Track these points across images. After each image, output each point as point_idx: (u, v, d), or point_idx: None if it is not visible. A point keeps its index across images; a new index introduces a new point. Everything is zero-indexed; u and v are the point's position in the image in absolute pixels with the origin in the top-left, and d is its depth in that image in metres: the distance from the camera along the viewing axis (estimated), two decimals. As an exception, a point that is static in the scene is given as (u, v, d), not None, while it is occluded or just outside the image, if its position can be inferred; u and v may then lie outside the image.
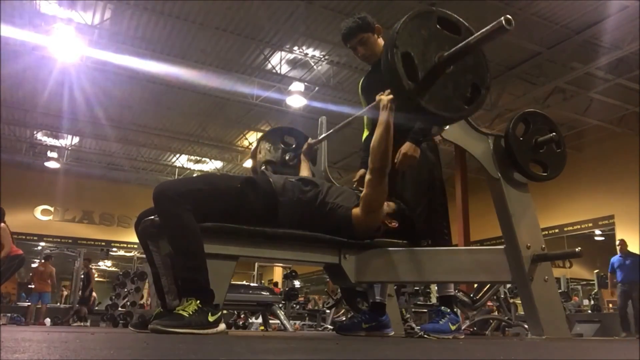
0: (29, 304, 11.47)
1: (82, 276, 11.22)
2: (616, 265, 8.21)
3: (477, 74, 2.06)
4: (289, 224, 2.25)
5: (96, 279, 20.42)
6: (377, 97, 2.35)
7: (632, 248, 9.74)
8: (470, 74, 2.03)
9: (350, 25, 2.75)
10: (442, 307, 2.57)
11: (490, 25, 1.82)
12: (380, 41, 2.79)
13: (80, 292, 11.18)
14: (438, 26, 2.01)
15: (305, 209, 2.27)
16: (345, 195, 2.37)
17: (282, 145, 3.17)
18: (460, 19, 2.08)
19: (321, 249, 2.38)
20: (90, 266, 11.65)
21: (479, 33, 1.89)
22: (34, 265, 15.78)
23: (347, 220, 2.29)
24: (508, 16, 1.74)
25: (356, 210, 2.29)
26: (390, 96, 2.27)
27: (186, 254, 1.97)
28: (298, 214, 2.26)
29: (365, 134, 2.96)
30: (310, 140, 3.02)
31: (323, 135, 3.08)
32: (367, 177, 2.28)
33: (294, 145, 3.18)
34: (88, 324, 10.17)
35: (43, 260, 11.53)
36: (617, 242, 8.54)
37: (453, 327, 2.47)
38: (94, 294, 11.51)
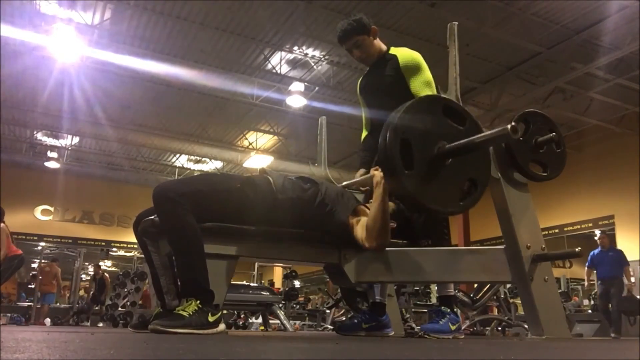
0: (29, 303, 11.49)
1: (94, 280, 11.34)
2: (596, 260, 7.84)
3: (477, 168, 2.05)
4: (288, 223, 2.24)
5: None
6: (371, 172, 2.32)
7: (633, 248, 9.76)
8: (469, 168, 2.02)
9: (345, 27, 2.74)
10: (442, 307, 2.57)
11: (496, 129, 1.85)
12: (377, 42, 2.77)
13: (91, 293, 11.27)
14: (443, 115, 1.99)
15: (305, 208, 2.27)
16: (344, 199, 2.36)
17: None
18: (466, 110, 2.05)
19: (321, 249, 2.38)
20: (101, 271, 11.67)
21: (482, 135, 1.90)
22: (34, 265, 15.82)
23: (344, 227, 2.29)
24: (514, 124, 1.78)
25: (352, 221, 2.29)
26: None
27: (186, 254, 1.97)
28: (298, 212, 2.25)
29: (364, 134, 2.96)
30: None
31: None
32: (367, 243, 2.25)
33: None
34: (88, 324, 10.16)
35: (46, 261, 11.55)
36: (598, 236, 8.18)
37: (453, 327, 2.47)
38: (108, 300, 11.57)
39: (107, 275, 11.59)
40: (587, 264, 8.19)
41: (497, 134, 1.84)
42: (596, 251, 7.92)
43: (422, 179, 1.91)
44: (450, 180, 1.99)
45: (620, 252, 8.01)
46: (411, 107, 1.95)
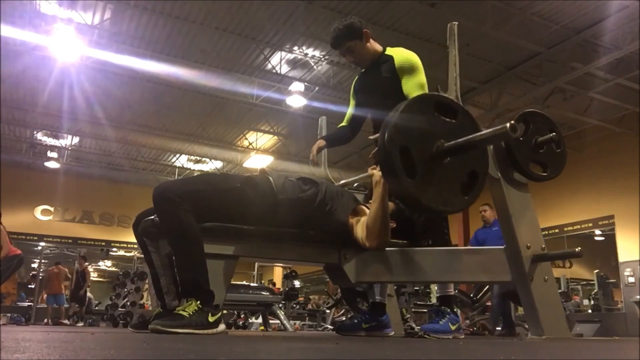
0: (29, 303, 11.48)
1: (75, 274, 11.06)
2: (480, 238, 6.18)
3: (476, 161, 2.06)
4: (288, 223, 2.25)
5: (96, 279, 20.52)
6: (370, 171, 2.34)
7: (633, 248, 9.76)
8: (468, 161, 2.03)
9: (336, 34, 2.74)
10: (442, 307, 2.57)
11: (494, 128, 1.85)
12: (370, 45, 2.76)
13: (71, 289, 11.04)
14: (435, 113, 2.00)
15: (305, 208, 2.27)
16: (344, 199, 2.36)
17: None
18: (455, 101, 2.07)
19: (321, 249, 2.38)
20: (87, 264, 11.50)
21: (481, 133, 1.91)
22: (34, 265, 15.82)
23: (343, 226, 2.30)
24: (513, 122, 1.77)
25: (352, 220, 2.30)
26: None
27: (186, 254, 1.97)
28: (298, 212, 2.25)
29: (342, 124, 3.01)
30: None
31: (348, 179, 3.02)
32: (367, 243, 2.26)
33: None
34: (82, 324, 10.09)
35: (53, 265, 11.54)
36: (480, 209, 6.26)
37: (453, 327, 2.47)
38: (89, 294, 11.45)
39: (89, 269, 11.39)
40: (469, 243, 7.04)
41: (496, 133, 1.84)
42: (480, 229, 6.46)
43: (424, 181, 1.92)
44: (451, 177, 1.99)
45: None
46: (405, 110, 1.95)
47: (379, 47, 2.80)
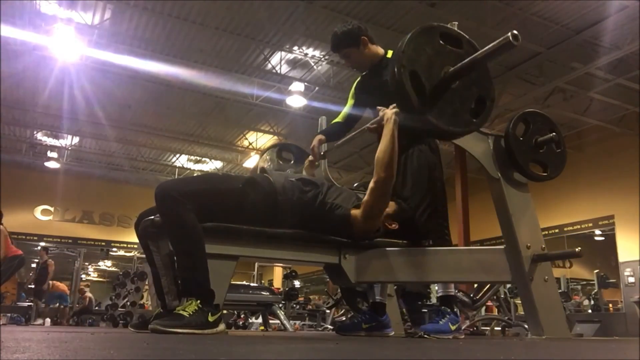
0: (29, 303, 11.45)
1: (37, 267, 10.31)
2: None
3: (482, 86, 2.08)
4: (289, 224, 2.25)
5: (96, 278, 20.51)
6: (381, 112, 2.34)
7: (633, 248, 9.76)
8: (475, 87, 2.05)
9: (333, 40, 2.76)
10: (442, 307, 2.57)
11: (497, 40, 1.81)
12: (369, 50, 2.75)
13: (34, 284, 10.27)
14: (441, 42, 2.02)
15: (305, 209, 2.27)
16: (344, 195, 2.37)
17: (280, 162, 3.20)
18: (462, 33, 2.10)
19: (321, 249, 2.38)
20: (48, 257, 10.64)
21: (485, 49, 1.90)
22: (33, 265, 15.80)
23: (345, 220, 2.28)
24: (515, 32, 1.74)
25: (355, 212, 2.28)
26: (395, 110, 2.26)
27: (187, 253, 1.98)
28: (298, 213, 2.26)
29: (337, 120, 3.01)
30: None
31: (341, 141, 3.02)
32: (371, 185, 2.26)
33: (292, 162, 3.21)
34: (43, 322, 9.45)
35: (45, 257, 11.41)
36: None
37: (453, 327, 2.47)
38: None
39: (51, 261, 10.64)
40: None
41: (499, 44, 1.80)
42: None
43: (436, 105, 1.95)
44: (460, 101, 2.01)
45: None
46: (410, 41, 1.97)
47: (380, 51, 2.78)
